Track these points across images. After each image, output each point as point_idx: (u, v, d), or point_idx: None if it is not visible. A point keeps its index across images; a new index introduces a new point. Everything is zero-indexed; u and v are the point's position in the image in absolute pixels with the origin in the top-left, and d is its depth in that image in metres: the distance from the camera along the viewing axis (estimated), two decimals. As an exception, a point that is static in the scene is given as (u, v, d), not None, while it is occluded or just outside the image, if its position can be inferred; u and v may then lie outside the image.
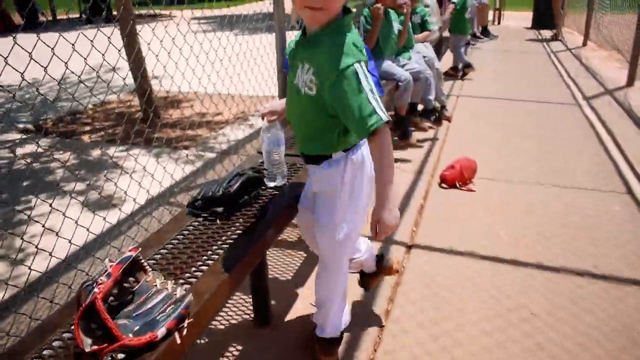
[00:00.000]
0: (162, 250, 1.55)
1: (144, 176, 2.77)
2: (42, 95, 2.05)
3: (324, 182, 1.60)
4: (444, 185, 3.35)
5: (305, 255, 2.60)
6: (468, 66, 6.60)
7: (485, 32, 9.55)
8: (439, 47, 6.57)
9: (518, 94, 5.76)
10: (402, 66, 3.80)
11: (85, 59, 1.87)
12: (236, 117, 5.16)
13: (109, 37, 2.17)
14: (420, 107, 4.20)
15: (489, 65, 7.39)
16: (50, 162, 4.13)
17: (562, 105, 5.32)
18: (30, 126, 5.15)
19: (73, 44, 1.77)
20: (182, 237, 1.62)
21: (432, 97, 4.07)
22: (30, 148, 4.47)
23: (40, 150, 4.34)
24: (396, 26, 3.73)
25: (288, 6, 3.38)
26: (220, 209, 1.68)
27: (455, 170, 3.33)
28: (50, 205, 1.81)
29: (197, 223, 1.69)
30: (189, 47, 2.74)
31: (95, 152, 4.29)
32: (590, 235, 2.72)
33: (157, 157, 4.05)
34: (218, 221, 1.67)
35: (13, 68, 1.68)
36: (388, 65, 3.70)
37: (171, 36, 2.56)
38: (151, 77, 5.34)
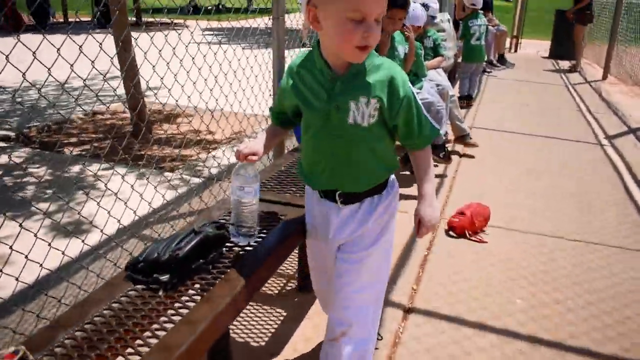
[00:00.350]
0: (78, 333, 1.18)
1: (119, 201, 2.43)
2: (43, 97, 1.89)
3: (385, 208, 1.53)
4: (452, 233, 2.96)
5: (284, 313, 2.22)
6: (468, 98, 6.21)
7: (502, 60, 9.22)
8: (452, 74, 6.24)
9: (535, 128, 5.38)
10: (412, 95, 3.44)
11: (92, 61, 1.87)
12: (232, 138, 4.82)
13: (123, 39, 1.91)
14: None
15: (505, 95, 7.03)
16: (24, 176, 3.79)
17: (583, 144, 4.94)
18: (12, 134, 4.84)
19: (80, 46, 1.74)
20: (110, 312, 1.25)
21: (442, 130, 3.70)
22: (5, 159, 4.14)
23: (15, 161, 4.02)
24: (402, 49, 3.38)
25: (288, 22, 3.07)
26: (165, 277, 1.31)
27: (465, 217, 2.94)
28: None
29: (135, 292, 1.32)
30: (199, 58, 2.53)
31: (74, 169, 3.96)
32: (619, 307, 2.32)
33: (140, 179, 3.70)
34: (161, 292, 1.30)
35: (15, 67, 1.59)
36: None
37: (180, 44, 2.25)
38: (146, 88, 5.03)
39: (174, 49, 2.37)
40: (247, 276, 1.38)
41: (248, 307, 2.25)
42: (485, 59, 6.69)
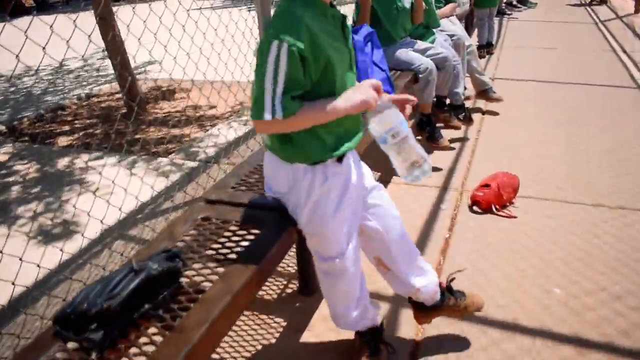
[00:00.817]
0: None
1: (109, 195, 2.19)
2: (46, 80, 1.75)
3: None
4: (476, 209, 2.60)
5: (284, 323, 1.93)
6: (488, 45, 5.64)
7: (523, 0, 8.49)
8: (468, 21, 5.68)
9: (563, 74, 4.86)
10: (423, 51, 3.00)
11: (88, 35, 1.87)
12: (232, 111, 4.48)
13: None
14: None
15: (528, 39, 6.44)
16: (9, 175, 3.55)
17: (618, 89, 4.42)
18: (2, 127, 4.59)
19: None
20: (28, 389, 0.97)
21: (460, 89, 3.27)
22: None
23: (1, 159, 3.79)
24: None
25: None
26: (97, 335, 1.01)
27: (490, 189, 2.57)
28: None
29: (63, 355, 1.03)
30: (190, 27, 2.44)
31: (63, 162, 3.69)
32: (681, 291, 1.96)
33: (131, 167, 3.43)
34: (94, 356, 1.01)
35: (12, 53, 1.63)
36: (402, 52, 2.92)
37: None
38: (143, 63, 4.70)
39: (174, 13, 2.19)
40: (208, 321, 1.07)
41: (242, 315, 1.97)
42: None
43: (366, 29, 2.43)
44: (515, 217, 2.52)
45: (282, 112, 1.19)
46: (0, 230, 2.78)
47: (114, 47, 4.30)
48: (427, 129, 2.98)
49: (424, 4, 3.01)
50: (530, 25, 7.30)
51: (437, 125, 3.10)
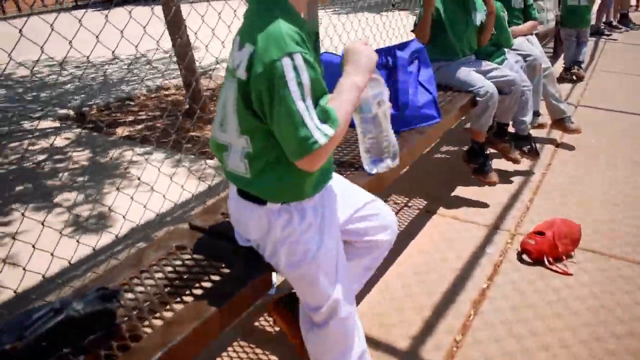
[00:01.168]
0: None
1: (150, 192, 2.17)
2: (125, 69, 1.92)
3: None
4: (526, 257, 2.26)
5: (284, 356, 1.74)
6: (577, 67, 5.00)
7: (624, 21, 7.67)
8: (557, 42, 5.16)
9: (662, 108, 4.26)
10: (486, 73, 2.68)
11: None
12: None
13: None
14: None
15: (624, 64, 5.77)
16: (62, 161, 3.66)
17: None
18: (71, 112, 4.79)
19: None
20: None
21: (527, 118, 2.90)
22: (53, 141, 4.05)
23: (59, 144, 3.92)
24: (479, 16, 2.64)
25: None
26: (0, 380, 0.88)
27: (545, 238, 2.22)
28: None
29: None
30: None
31: (115, 153, 3.75)
32: None
33: (174, 167, 3.39)
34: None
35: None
36: (464, 71, 2.62)
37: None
38: (215, 61, 4.73)
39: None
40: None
41: (232, 350, 1.80)
42: (592, 23, 5.35)
43: (415, 44, 2.18)
44: (570, 274, 2.15)
45: (331, 125, 1.02)
46: (38, 216, 2.82)
47: (180, 45, 4.34)
48: (478, 160, 2.65)
49: (493, 25, 2.70)
50: (630, 49, 6.56)
51: (492, 152, 2.77)
